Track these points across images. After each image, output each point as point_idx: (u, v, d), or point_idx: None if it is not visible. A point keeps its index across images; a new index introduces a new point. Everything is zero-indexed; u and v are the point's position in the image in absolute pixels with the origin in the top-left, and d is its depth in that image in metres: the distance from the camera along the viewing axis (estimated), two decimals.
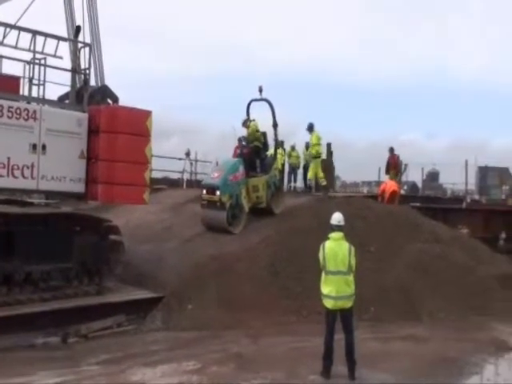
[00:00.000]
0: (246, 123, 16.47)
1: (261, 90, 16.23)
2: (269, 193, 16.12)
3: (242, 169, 15.47)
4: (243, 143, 16.23)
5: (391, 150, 22.83)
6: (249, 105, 16.85)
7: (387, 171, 22.85)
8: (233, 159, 15.95)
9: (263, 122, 16.89)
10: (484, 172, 36.43)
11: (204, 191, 15.26)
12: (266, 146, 16.70)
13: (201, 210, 15.41)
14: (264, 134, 16.62)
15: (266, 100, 16.48)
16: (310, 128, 21.36)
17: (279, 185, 17.06)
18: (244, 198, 15.50)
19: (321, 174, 21.34)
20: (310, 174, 21.67)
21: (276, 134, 16.89)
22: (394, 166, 22.66)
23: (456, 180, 34.18)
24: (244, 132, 16.52)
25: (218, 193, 14.83)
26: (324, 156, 23.92)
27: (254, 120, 16.58)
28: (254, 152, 16.14)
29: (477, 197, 35.30)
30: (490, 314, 13.48)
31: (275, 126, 16.71)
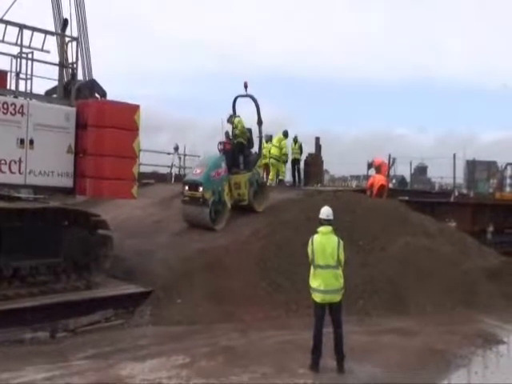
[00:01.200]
0: (230, 119, 16.35)
1: (246, 86, 16.09)
2: (251, 190, 15.96)
3: (224, 165, 15.38)
4: (225, 140, 16.11)
5: (369, 165, 23.03)
6: (234, 101, 16.75)
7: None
8: (215, 155, 15.84)
9: (251, 119, 16.88)
10: (472, 166, 36.54)
11: (186, 187, 15.12)
12: (250, 142, 16.55)
13: (182, 206, 15.30)
14: (249, 131, 16.50)
15: (251, 96, 16.37)
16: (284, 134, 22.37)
17: (262, 182, 16.84)
18: (226, 194, 15.41)
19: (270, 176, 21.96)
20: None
21: (260, 131, 16.74)
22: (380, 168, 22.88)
23: (444, 174, 34.32)
24: (230, 128, 16.45)
25: (200, 189, 14.72)
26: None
27: (238, 116, 16.48)
28: (237, 148, 16.01)
29: (465, 190, 35.38)
30: (478, 307, 13.56)
31: (260, 123, 16.57)
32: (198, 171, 15.22)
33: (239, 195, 15.80)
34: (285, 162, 22.68)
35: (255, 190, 16.15)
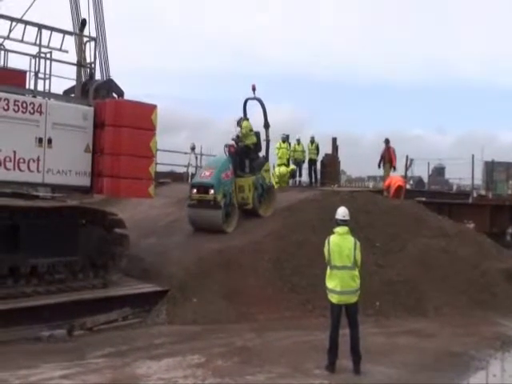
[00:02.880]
0: (240, 122, 16.15)
1: (254, 89, 15.98)
2: (255, 194, 15.74)
3: (231, 167, 15.20)
4: (232, 142, 15.84)
5: (386, 141, 22.77)
6: (245, 104, 16.62)
7: (380, 164, 22.88)
8: (222, 157, 15.70)
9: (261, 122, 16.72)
10: (490, 167, 36.15)
11: (194, 190, 14.82)
12: (258, 146, 16.32)
13: (189, 211, 15.02)
14: (257, 134, 16.29)
15: (258, 99, 16.29)
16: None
17: (268, 186, 16.45)
18: (234, 196, 15.22)
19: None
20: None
21: (267, 135, 16.59)
22: (389, 159, 22.64)
23: (462, 175, 34.03)
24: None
25: (211, 191, 14.48)
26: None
27: (247, 119, 16.29)
28: (243, 151, 15.78)
29: (483, 192, 35.04)
30: (496, 309, 13.43)
31: (266, 126, 16.46)
32: (207, 173, 14.95)
33: (243, 199, 15.52)
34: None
35: (260, 194, 15.94)
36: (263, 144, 16.54)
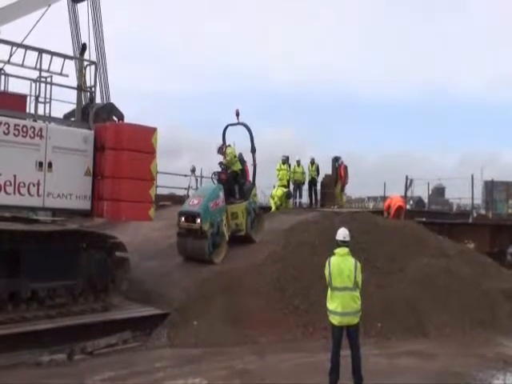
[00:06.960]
0: (221, 150, 15.90)
1: (238, 114, 15.71)
2: (248, 220, 15.65)
3: (222, 195, 14.90)
4: (221, 169, 15.75)
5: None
6: (225, 130, 16.51)
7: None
8: (212, 185, 15.42)
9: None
10: (490, 186, 36.20)
11: (182, 219, 14.51)
12: (243, 171, 16.22)
13: (178, 240, 14.74)
14: (241, 159, 16.21)
15: (244, 124, 16.03)
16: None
17: (258, 211, 16.40)
18: (224, 225, 14.88)
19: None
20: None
21: (254, 160, 16.40)
22: (340, 177, 22.64)
23: (462, 195, 34.08)
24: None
25: (198, 220, 14.13)
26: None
27: (230, 145, 16.17)
28: (232, 178, 15.66)
29: (483, 211, 35.04)
30: (497, 329, 13.40)
31: (253, 151, 16.26)
32: (196, 202, 14.60)
33: (237, 225, 15.37)
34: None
35: (252, 219, 15.84)
36: (250, 169, 16.43)
